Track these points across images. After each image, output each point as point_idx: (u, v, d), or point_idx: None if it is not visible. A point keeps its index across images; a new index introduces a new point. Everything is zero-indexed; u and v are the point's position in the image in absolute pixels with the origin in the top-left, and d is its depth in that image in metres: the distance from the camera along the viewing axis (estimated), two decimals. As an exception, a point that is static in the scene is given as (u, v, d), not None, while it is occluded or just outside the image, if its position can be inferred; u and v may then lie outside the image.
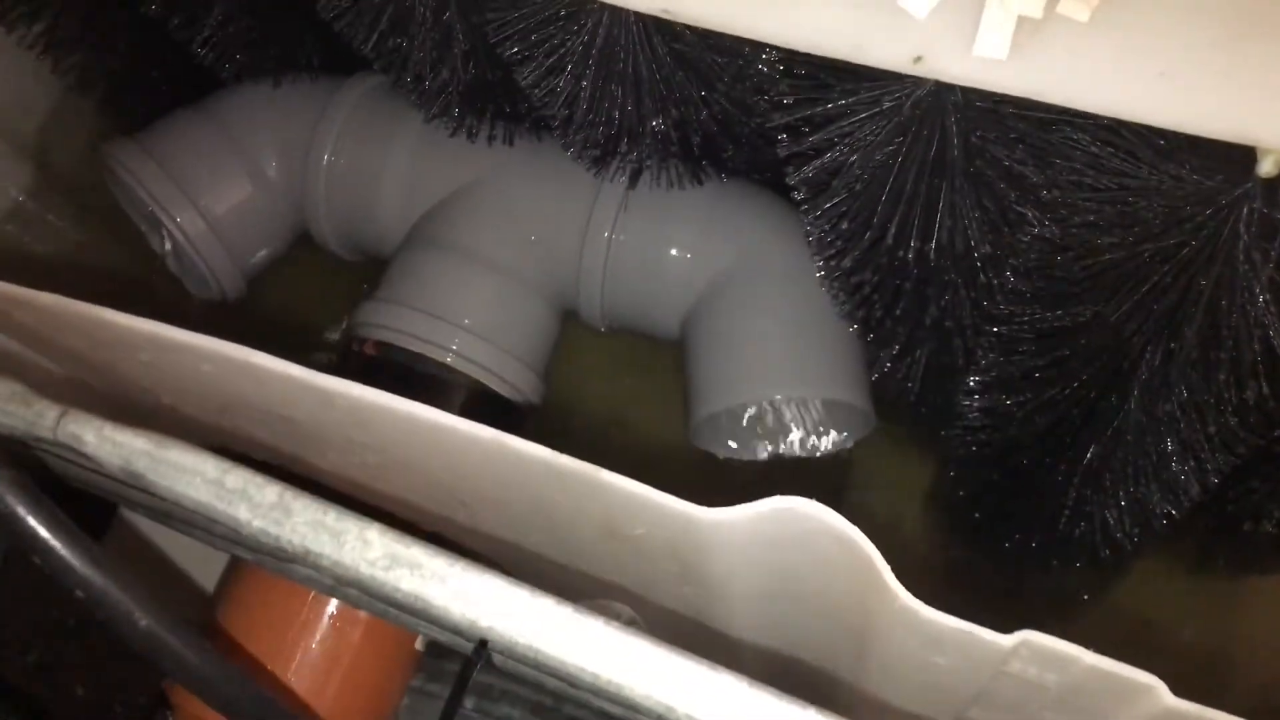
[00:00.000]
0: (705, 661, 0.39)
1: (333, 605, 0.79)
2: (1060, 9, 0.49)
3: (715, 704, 0.38)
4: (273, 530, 0.44)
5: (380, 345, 0.88)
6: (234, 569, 0.84)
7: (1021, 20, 0.50)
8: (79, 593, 0.46)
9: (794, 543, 0.46)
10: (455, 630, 0.48)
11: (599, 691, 0.39)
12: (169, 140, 0.97)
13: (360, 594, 0.70)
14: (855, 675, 0.58)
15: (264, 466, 0.76)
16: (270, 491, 0.44)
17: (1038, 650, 0.41)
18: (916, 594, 0.45)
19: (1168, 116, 0.48)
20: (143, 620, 0.47)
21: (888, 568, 0.43)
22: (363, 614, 0.79)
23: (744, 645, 0.63)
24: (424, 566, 0.42)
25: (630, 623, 0.47)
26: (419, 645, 0.85)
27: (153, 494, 0.45)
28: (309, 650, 0.79)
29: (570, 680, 0.41)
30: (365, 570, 0.42)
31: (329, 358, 1.11)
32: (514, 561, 0.74)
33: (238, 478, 0.44)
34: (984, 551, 0.99)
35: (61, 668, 0.83)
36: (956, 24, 0.50)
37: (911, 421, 0.97)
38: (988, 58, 0.50)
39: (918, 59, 0.51)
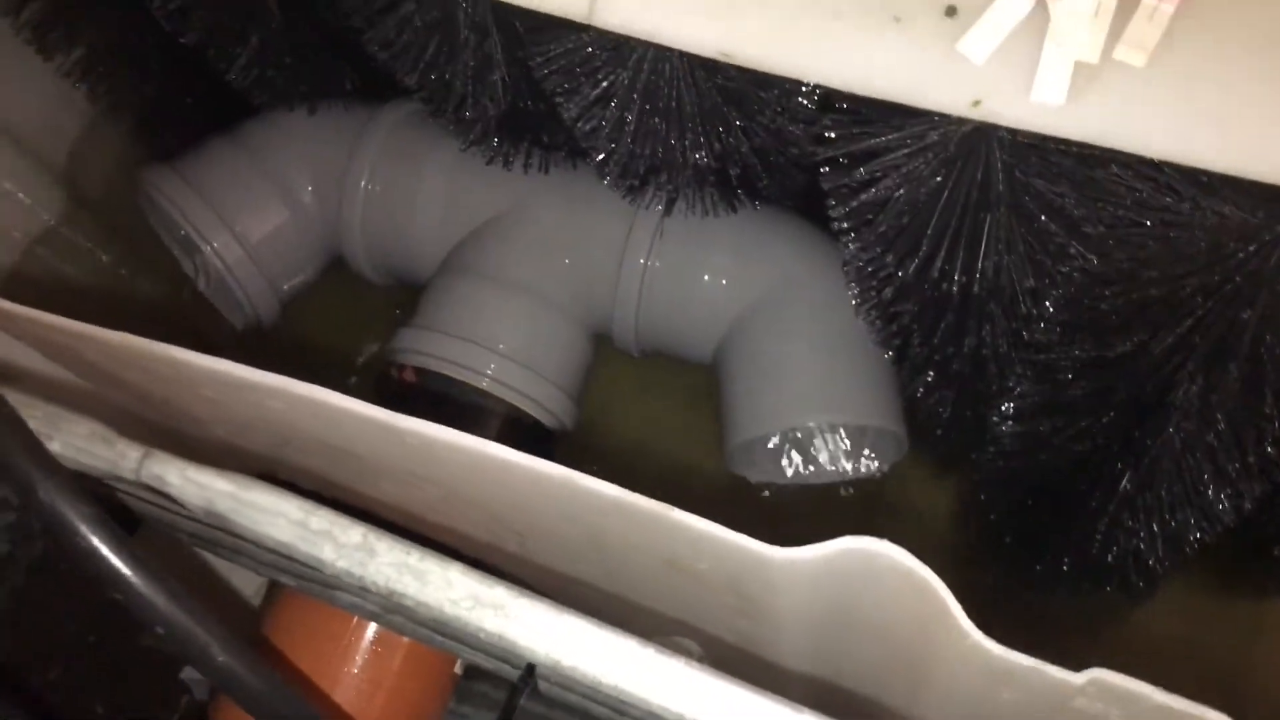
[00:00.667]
0: (788, 702, 0.40)
1: (374, 629, 0.80)
2: (1116, 55, 0.50)
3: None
4: (357, 571, 0.44)
5: (419, 371, 0.89)
6: (276, 591, 0.84)
7: (1078, 66, 0.51)
8: (160, 629, 0.47)
9: (861, 579, 0.47)
10: (511, 661, 0.49)
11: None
12: (206, 167, 0.98)
13: (405, 621, 0.71)
14: (908, 705, 0.59)
15: (308, 495, 0.77)
16: (355, 533, 0.44)
17: (1107, 688, 0.42)
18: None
19: (1223, 161, 0.49)
20: (220, 656, 0.47)
21: (959, 606, 0.44)
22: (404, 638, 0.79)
23: (792, 675, 0.64)
24: (507, 607, 0.43)
25: (700, 660, 0.48)
26: (458, 669, 0.86)
27: (233, 534, 0.46)
28: (352, 675, 0.80)
29: (650, 718, 0.41)
30: (449, 610, 0.43)
31: (359, 380, 1.12)
32: (558, 589, 0.74)
33: (322, 519, 0.45)
34: (1013, 574, 1.00)
35: (81, 684, 0.83)
36: (1014, 69, 0.51)
37: (942, 443, 0.98)
38: (1045, 103, 0.51)
39: (976, 103, 0.52)
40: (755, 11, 0.53)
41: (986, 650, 0.43)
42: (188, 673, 0.86)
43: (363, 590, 0.45)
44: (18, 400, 0.47)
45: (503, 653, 0.45)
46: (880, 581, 0.46)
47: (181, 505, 0.46)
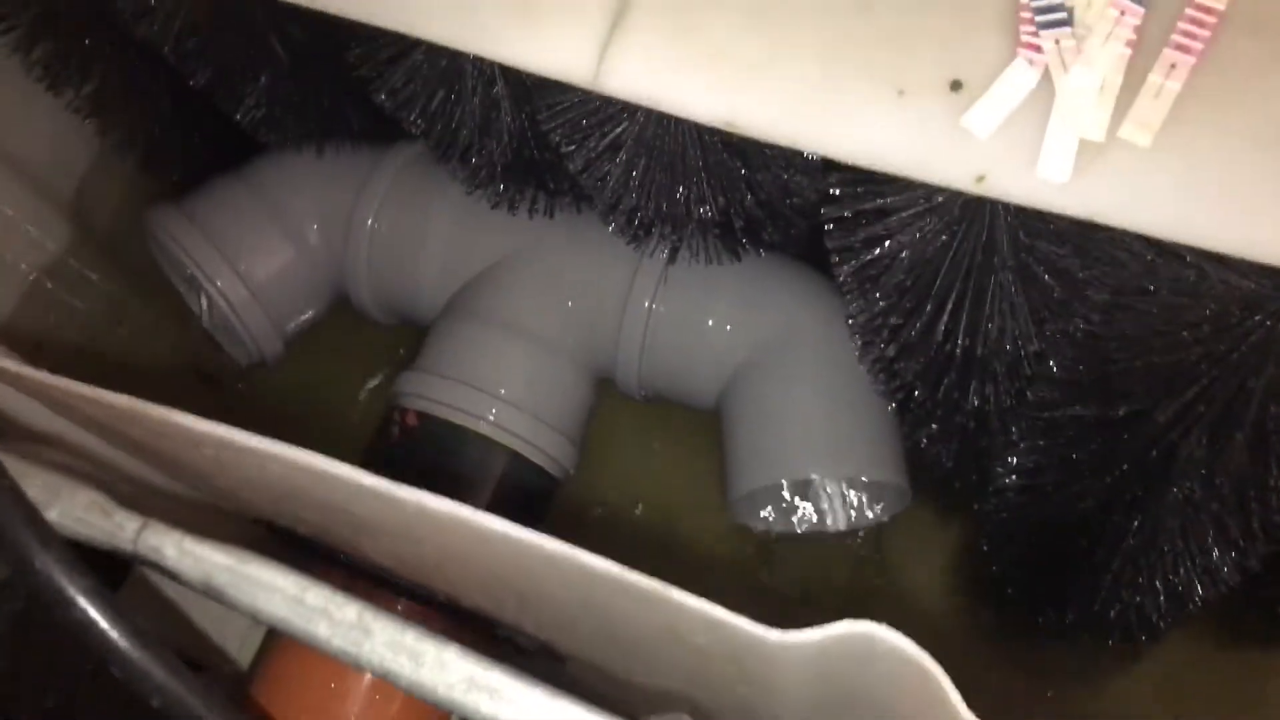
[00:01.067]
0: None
1: (369, 679, 0.80)
2: (1122, 134, 0.50)
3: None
4: (351, 650, 0.44)
5: (421, 416, 0.89)
6: (273, 641, 0.84)
7: (1083, 143, 0.51)
8: (156, 700, 0.47)
9: (861, 660, 0.47)
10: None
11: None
12: (211, 206, 0.99)
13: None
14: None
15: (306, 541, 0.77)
16: (350, 610, 0.44)
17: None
18: (948, 670, 0.45)
19: (1230, 243, 0.49)
20: (216, 728, 0.47)
21: (958, 694, 0.43)
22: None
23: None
24: (503, 691, 0.42)
25: (698, 739, 0.47)
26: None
27: (231, 606, 0.46)
28: (348, 721, 0.79)
29: None
30: (443, 693, 0.43)
31: (361, 415, 1.12)
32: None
33: (317, 596, 0.45)
34: (1015, 624, 0.99)
35: (78, 713, 0.83)
36: (1018, 145, 0.51)
37: (943, 491, 0.98)
38: (1050, 180, 0.51)
39: (980, 179, 0.52)
40: (760, 85, 0.54)
41: (985, 740, 0.43)
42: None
43: (356, 667, 0.45)
44: (17, 469, 0.47)
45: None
46: (880, 664, 0.46)
47: (178, 577, 0.46)
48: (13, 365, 0.54)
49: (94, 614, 0.45)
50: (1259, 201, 0.49)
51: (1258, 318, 0.59)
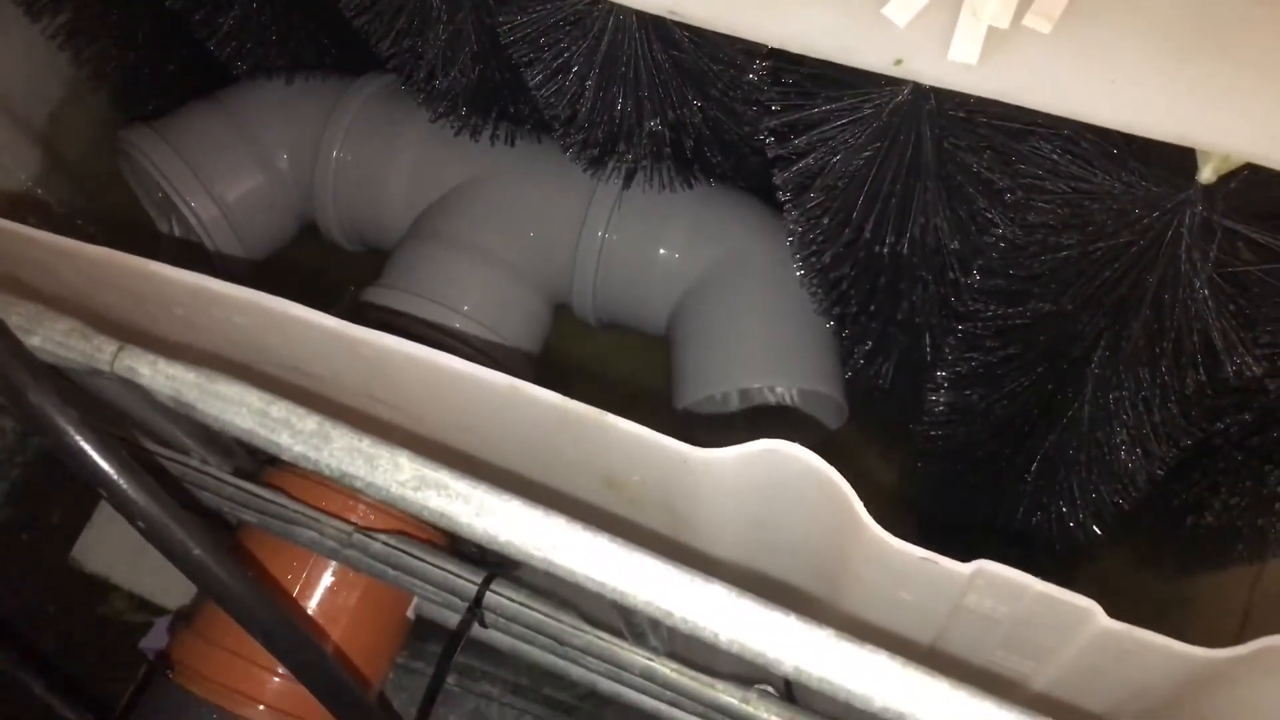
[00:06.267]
0: (695, 571, 0.44)
1: (332, 568, 0.83)
2: (1025, 21, 0.55)
3: (703, 608, 0.43)
4: (312, 455, 0.48)
5: (384, 327, 0.93)
6: (238, 532, 0.87)
7: (991, 31, 0.56)
8: (140, 524, 0.50)
9: (778, 485, 0.51)
10: (460, 594, 0.52)
11: (608, 598, 0.44)
12: (185, 129, 1.02)
13: (360, 555, 0.75)
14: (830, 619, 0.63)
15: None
16: (310, 421, 0.48)
17: (992, 579, 0.47)
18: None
19: (1117, 119, 0.54)
20: (195, 550, 0.51)
21: (861, 504, 0.48)
22: (360, 578, 0.82)
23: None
24: (450, 487, 0.47)
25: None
26: (410, 613, 0.89)
27: (201, 422, 0.49)
28: (308, 611, 0.83)
29: (578, 590, 0.45)
30: (396, 490, 0.47)
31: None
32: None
33: (281, 408, 0.49)
34: (948, 542, 1.04)
35: (37, 654, 0.87)
36: (933, 32, 0.56)
37: (882, 413, 1.03)
38: (960, 62, 0.56)
39: (898, 61, 0.57)
40: (700, -27, 0.58)
41: (884, 543, 0.47)
42: (146, 641, 0.88)
43: (317, 473, 0.49)
44: (1, 301, 0.51)
45: (448, 580, 0.48)
46: (794, 486, 0.51)
47: (152, 395, 0.50)
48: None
49: (84, 444, 0.49)
50: (1147, 85, 0.54)
51: (1154, 214, 0.65)
